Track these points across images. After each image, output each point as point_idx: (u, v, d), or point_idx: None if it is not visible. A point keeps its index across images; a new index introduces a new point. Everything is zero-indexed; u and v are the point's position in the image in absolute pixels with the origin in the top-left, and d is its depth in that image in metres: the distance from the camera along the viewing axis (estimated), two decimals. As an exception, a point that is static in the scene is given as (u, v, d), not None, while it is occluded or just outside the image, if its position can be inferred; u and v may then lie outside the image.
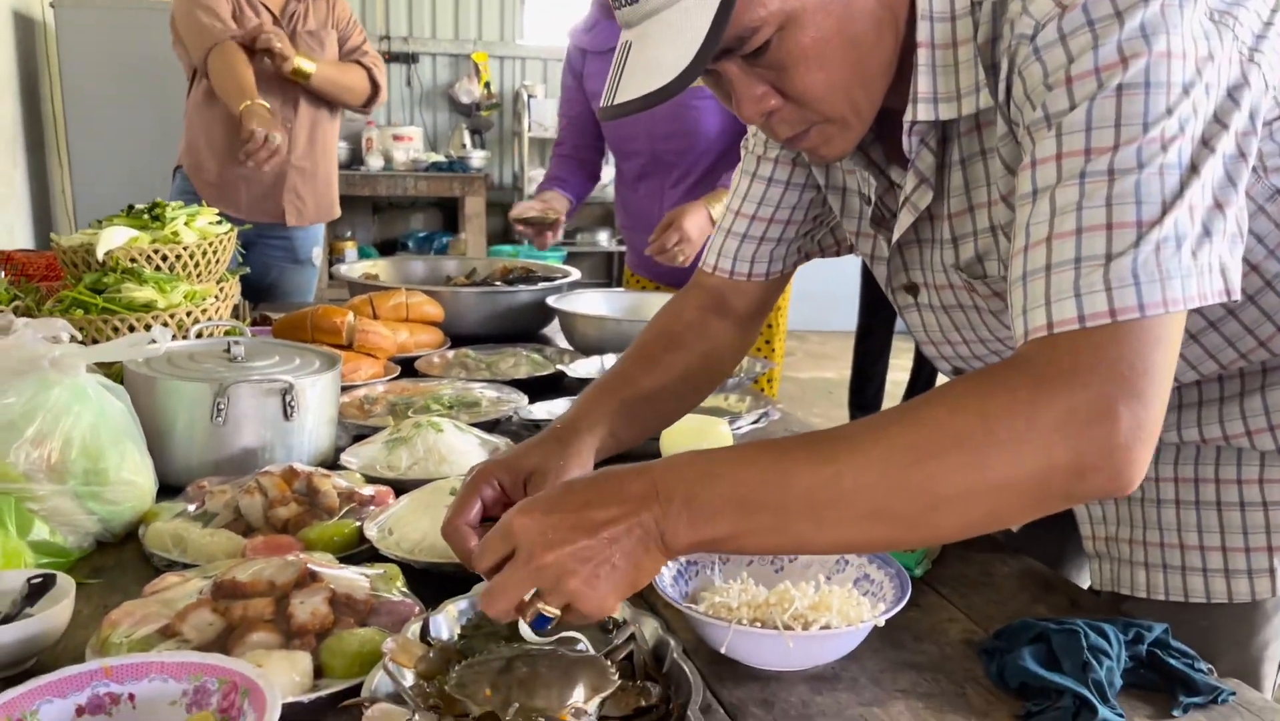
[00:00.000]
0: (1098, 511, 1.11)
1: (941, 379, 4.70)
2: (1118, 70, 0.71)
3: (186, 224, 1.67)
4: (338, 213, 3.01)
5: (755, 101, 0.84)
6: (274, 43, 2.57)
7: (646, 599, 0.98)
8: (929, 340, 1.09)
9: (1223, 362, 0.97)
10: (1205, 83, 0.72)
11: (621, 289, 2.65)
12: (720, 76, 0.85)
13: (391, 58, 6.44)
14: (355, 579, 0.93)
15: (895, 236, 0.98)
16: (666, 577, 0.94)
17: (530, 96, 6.46)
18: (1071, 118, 0.72)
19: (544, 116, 6.46)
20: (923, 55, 0.84)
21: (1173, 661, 0.88)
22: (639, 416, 1.07)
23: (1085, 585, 1.17)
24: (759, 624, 0.87)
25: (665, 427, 1.11)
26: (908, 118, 0.86)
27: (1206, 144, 0.72)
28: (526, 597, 0.74)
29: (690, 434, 1.31)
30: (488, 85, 6.53)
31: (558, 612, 0.74)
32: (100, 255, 1.56)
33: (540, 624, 0.75)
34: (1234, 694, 0.86)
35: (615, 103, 0.82)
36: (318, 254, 3.04)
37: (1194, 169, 0.71)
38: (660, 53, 0.79)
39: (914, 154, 0.90)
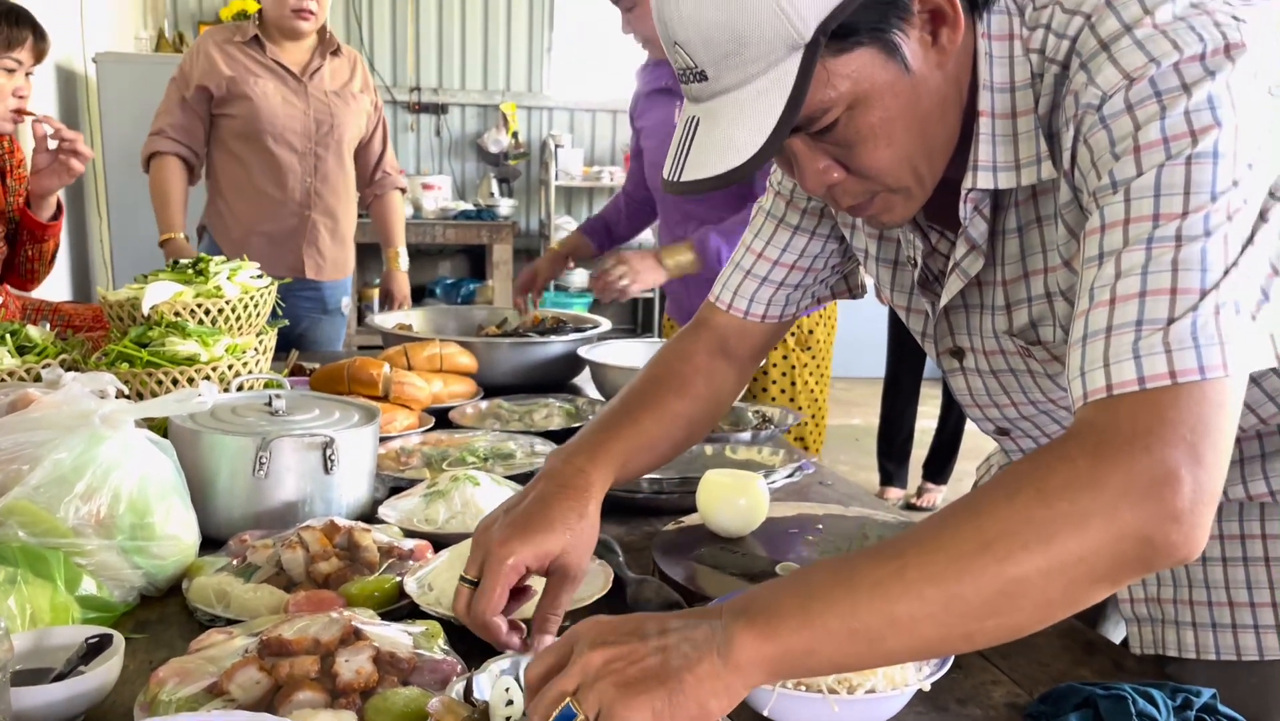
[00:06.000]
0: None
1: (970, 426, 4.65)
2: (1186, 141, 0.71)
3: (229, 278, 1.71)
4: (352, 267, 3.09)
5: (819, 175, 0.86)
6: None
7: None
8: (974, 403, 1.09)
9: (1263, 416, 0.97)
10: (1265, 157, 0.73)
11: (652, 336, 2.67)
12: (784, 149, 0.86)
13: (421, 108, 6.56)
14: (398, 636, 0.94)
15: (942, 303, 0.98)
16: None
17: (557, 146, 6.55)
18: (1140, 183, 0.72)
19: (570, 165, 6.54)
20: (984, 124, 0.85)
21: (1223, 727, 0.86)
22: (638, 462, 1.05)
23: (1122, 638, 1.16)
24: (803, 686, 0.87)
25: (652, 469, 1.09)
26: (966, 185, 0.87)
27: (1263, 216, 0.73)
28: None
29: (726, 488, 1.31)
30: (515, 135, 6.62)
31: (580, 714, 0.67)
32: (145, 309, 1.59)
33: (562, 718, 0.68)
34: (1287, 761, 0.85)
35: (684, 179, 0.82)
36: (346, 303, 3.09)
37: (1251, 239, 0.72)
38: (732, 132, 0.79)
39: (968, 220, 0.90)
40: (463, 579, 0.92)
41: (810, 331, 2.43)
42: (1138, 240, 0.71)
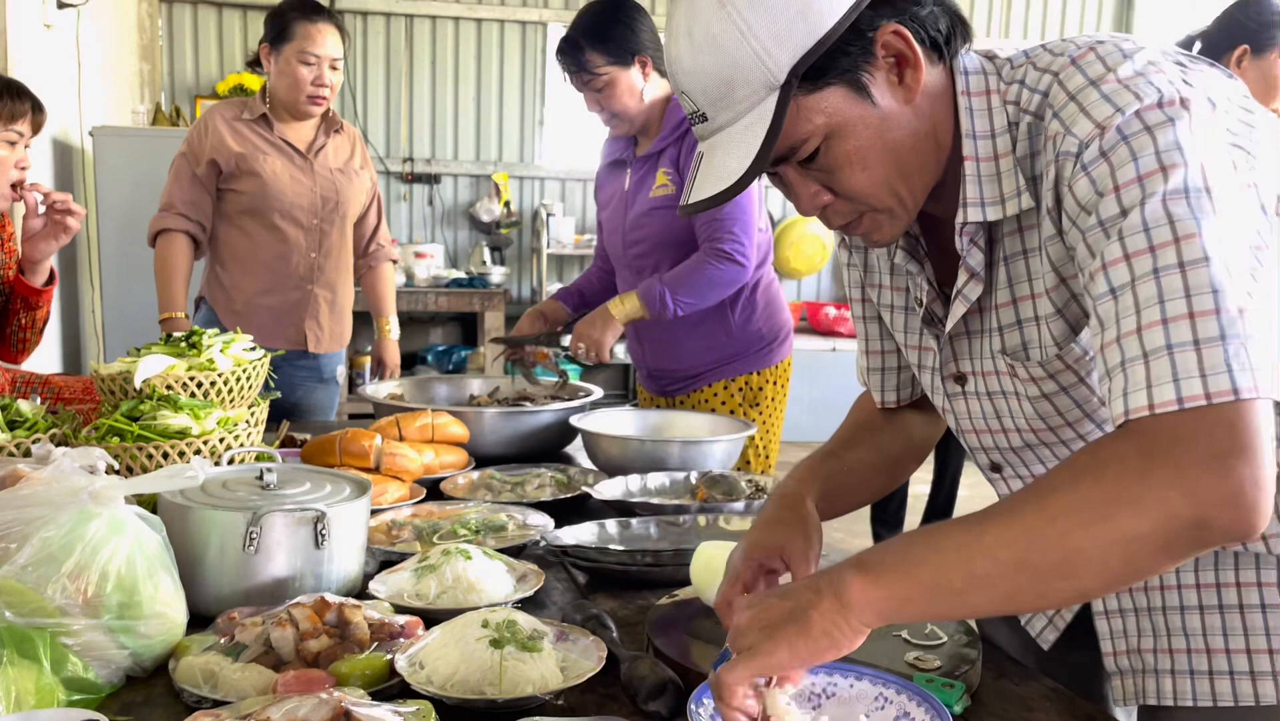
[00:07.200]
0: (1118, 625, 1.13)
1: (964, 492, 4.59)
2: (1159, 177, 0.81)
3: (222, 351, 1.71)
4: (349, 338, 3.11)
5: (810, 198, 1.01)
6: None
7: (683, 737, 0.97)
8: (972, 429, 1.17)
9: None
10: (1239, 185, 0.82)
11: (641, 406, 2.68)
12: (781, 177, 1.01)
13: (414, 178, 6.64)
14: (389, 717, 0.92)
15: (948, 327, 1.09)
16: (703, 716, 0.93)
17: (549, 215, 6.62)
18: (1128, 221, 0.81)
19: (562, 234, 6.61)
20: (969, 168, 0.99)
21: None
22: (843, 486, 1.24)
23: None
24: (800, 765, 0.85)
25: (868, 500, 1.29)
26: (959, 220, 1.00)
27: (1255, 248, 0.81)
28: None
29: (721, 560, 1.29)
30: (507, 204, 6.70)
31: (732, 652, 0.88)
32: (138, 383, 1.59)
33: (721, 657, 0.91)
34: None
35: (690, 202, 0.99)
36: (341, 372, 3.09)
37: (1257, 263, 0.80)
38: (725, 161, 0.96)
39: (965, 252, 1.02)
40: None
41: (760, 389, 2.53)
42: (1144, 273, 0.80)
